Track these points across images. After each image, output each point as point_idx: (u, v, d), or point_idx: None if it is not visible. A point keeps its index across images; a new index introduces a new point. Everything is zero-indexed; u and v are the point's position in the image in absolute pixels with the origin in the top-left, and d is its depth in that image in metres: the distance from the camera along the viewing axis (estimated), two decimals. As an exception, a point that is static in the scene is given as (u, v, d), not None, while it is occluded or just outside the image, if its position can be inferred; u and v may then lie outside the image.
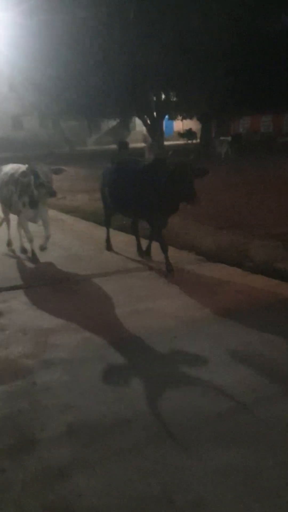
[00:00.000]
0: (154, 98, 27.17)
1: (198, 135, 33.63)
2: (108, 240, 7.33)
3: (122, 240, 7.85)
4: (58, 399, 3.26)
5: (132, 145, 35.84)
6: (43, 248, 6.50)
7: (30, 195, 6.24)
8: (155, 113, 26.99)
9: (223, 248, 7.10)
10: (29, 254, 6.78)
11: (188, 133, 35.17)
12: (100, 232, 8.62)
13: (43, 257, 6.78)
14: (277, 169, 16.72)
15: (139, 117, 27.67)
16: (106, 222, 7.56)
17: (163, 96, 26.85)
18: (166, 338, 4.08)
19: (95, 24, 21.66)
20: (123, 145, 23.64)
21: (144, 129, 40.60)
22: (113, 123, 37.67)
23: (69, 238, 8.22)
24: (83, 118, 32.31)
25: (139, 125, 38.84)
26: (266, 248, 6.90)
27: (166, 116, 29.26)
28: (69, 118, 31.17)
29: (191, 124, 37.44)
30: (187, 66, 22.34)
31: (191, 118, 30.24)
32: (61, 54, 22.19)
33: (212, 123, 30.40)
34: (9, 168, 6.93)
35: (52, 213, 10.97)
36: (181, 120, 32.20)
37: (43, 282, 5.75)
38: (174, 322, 4.42)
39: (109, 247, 7.26)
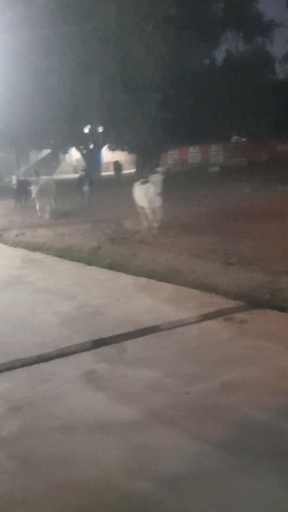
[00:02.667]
0: (86, 130, 26.44)
1: (125, 166, 33.31)
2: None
3: (129, 283, 6.78)
4: None
5: (62, 176, 34.90)
6: None
7: None
8: (91, 145, 26.23)
9: (248, 288, 6.24)
10: None
11: (116, 165, 34.03)
12: (94, 272, 7.52)
13: (53, 311, 5.54)
14: (227, 198, 16.42)
15: (76, 148, 26.70)
16: None
17: (100, 128, 26.21)
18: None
19: (30, 53, 20.63)
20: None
21: (74, 160, 39.80)
22: (42, 154, 36.41)
23: (64, 283, 6.96)
24: (11, 149, 30.76)
25: (68, 157, 37.90)
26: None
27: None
28: (-1, 149, 29.56)
29: (122, 155, 37.10)
30: (127, 97, 21.93)
31: (128, 150, 29.83)
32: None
33: (148, 155, 30.21)
34: None
35: (21, 252, 9.70)
36: (112, 151, 31.63)
37: (75, 348, 4.51)
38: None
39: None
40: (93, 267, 7.96)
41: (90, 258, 8.75)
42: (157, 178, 10.16)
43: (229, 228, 10.66)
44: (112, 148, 28.74)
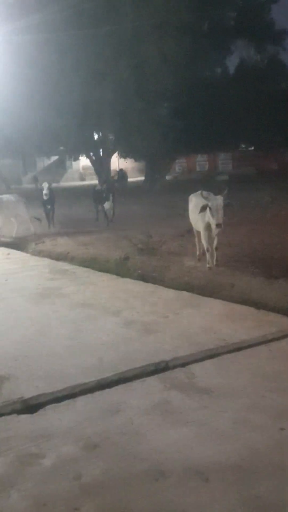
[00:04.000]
0: (97, 136, 26.09)
1: (132, 174, 32.79)
2: None
3: (171, 297, 6.37)
4: None
5: (68, 183, 34.47)
6: None
7: None
8: (101, 151, 25.83)
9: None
10: None
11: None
12: (130, 285, 7.12)
13: (100, 328, 5.13)
14: (247, 208, 16.01)
15: (86, 155, 26.32)
16: None
17: (109, 136, 25.84)
18: None
19: (42, 59, 20.27)
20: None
21: (81, 167, 39.45)
22: (48, 161, 36.09)
23: (102, 296, 6.54)
24: (18, 155, 30.44)
25: (75, 164, 37.59)
26: None
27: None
28: (4, 156, 29.14)
29: (129, 162, 36.75)
30: (141, 104, 21.57)
31: (138, 158, 29.43)
32: (5, 90, 20.43)
33: (157, 162, 29.86)
34: None
35: (46, 262, 9.29)
36: (121, 158, 31.22)
37: (137, 372, 4.09)
38: None
39: None
40: (127, 279, 7.55)
41: (118, 269, 8.35)
42: (218, 202, 7.27)
43: (259, 238, 10.25)
44: (122, 156, 28.37)
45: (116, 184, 14.61)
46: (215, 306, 5.91)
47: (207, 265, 7.68)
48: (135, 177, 35.10)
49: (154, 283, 7.29)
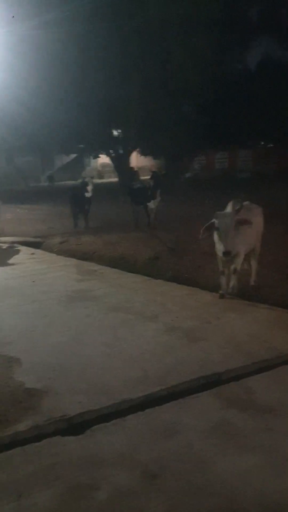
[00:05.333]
0: (117, 134, 25.75)
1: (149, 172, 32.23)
2: None
3: (210, 301, 5.98)
4: None
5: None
6: None
7: None
8: (121, 150, 25.48)
9: None
10: None
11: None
12: (165, 287, 6.75)
13: (139, 335, 4.78)
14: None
15: (106, 153, 25.97)
16: None
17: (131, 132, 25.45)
18: None
19: (66, 54, 19.94)
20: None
21: (99, 165, 39.18)
22: (67, 159, 35.85)
23: (136, 299, 6.17)
24: (37, 153, 30.22)
25: (93, 161, 37.34)
26: None
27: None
28: (25, 154, 28.96)
29: (145, 160, 36.28)
30: (167, 101, 21.15)
31: (163, 155, 28.95)
32: (29, 87, 20.14)
33: (176, 160, 29.44)
34: None
35: (73, 261, 8.97)
36: (144, 156, 30.81)
37: (188, 386, 3.73)
38: None
39: None
40: (159, 281, 7.19)
41: (149, 270, 7.99)
42: (226, 222, 5.52)
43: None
44: (143, 153, 27.96)
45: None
46: (259, 311, 5.52)
47: (219, 291, 6.03)
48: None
49: (188, 285, 6.92)
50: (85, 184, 12.65)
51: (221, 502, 2.45)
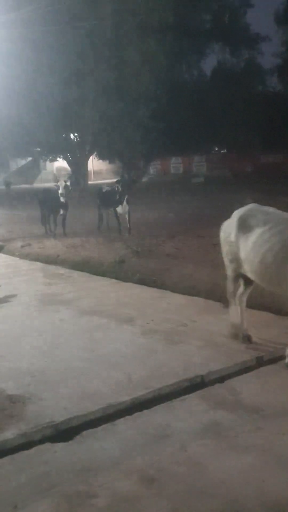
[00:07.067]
0: (73, 137, 25.54)
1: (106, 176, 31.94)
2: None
3: (183, 303, 6.01)
4: None
5: (43, 185, 33.50)
6: None
7: None
8: (78, 153, 25.29)
9: None
10: None
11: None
12: (135, 290, 6.73)
13: (116, 338, 4.72)
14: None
15: (64, 157, 25.69)
16: None
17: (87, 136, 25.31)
18: None
19: (20, 56, 19.62)
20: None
21: (54, 168, 38.61)
22: (22, 162, 35.19)
23: (108, 302, 6.11)
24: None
25: (49, 165, 36.80)
26: None
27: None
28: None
29: (101, 164, 36.17)
30: (122, 105, 21.18)
31: (116, 159, 28.98)
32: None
33: (132, 164, 29.55)
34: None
35: (38, 265, 8.80)
36: (102, 160, 30.77)
37: (173, 389, 3.71)
38: None
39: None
40: (129, 284, 7.15)
41: (116, 273, 7.93)
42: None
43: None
44: (100, 157, 27.89)
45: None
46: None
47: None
48: (110, 179, 34.64)
49: (156, 287, 6.92)
50: (58, 188, 11.50)
51: (224, 504, 2.44)
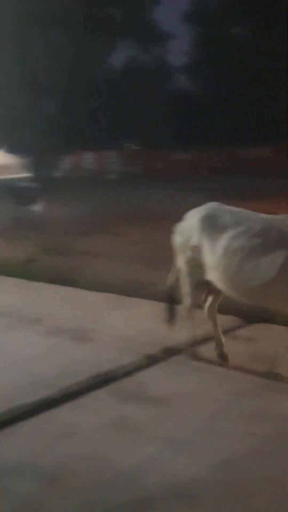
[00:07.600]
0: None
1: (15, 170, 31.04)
2: None
3: (94, 299, 6.03)
4: None
5: None
6: None
7: None
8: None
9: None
10: None
11: None
12: (46, 289, 6.64)
13: (22, 339, 4.64)
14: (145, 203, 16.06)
15: None
16: None
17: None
18: None
19: None
20: None
21: None
22: None
23: (15, 303, 5.96)
24: None
25: None
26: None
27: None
28: None
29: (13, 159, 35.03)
30: (29, 98, 20.69)
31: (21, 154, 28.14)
32: None
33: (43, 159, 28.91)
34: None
35: None
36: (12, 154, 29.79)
37: (79, 388, 3.72)
38: None
39: None
40: (39, 283, 7.01)
41: (24, 272, 7.72)
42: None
43: (164, 235, 10.19)
44: (8, 151, 27.03)
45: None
46: (143, 306, 5.69)
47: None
48: (19, 174, 33.66)
49: (68, 286, 6.86)
50: None
51: (133, 494, 2.50)
